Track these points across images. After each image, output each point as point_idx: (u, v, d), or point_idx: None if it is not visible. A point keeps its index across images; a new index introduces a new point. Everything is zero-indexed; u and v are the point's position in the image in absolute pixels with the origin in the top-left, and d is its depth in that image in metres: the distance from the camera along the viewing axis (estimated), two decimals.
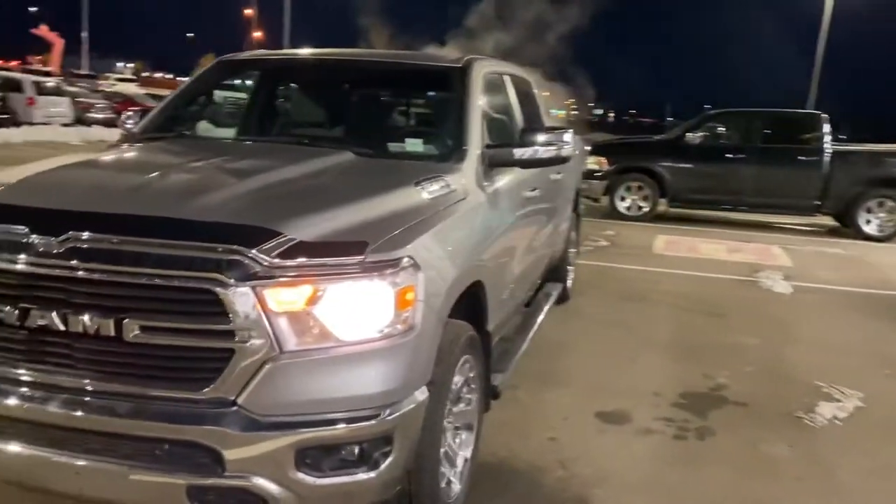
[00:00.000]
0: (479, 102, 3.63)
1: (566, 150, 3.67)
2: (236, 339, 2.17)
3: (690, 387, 4.69)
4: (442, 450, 2.84)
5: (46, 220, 2.27)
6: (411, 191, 2.83)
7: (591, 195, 12.43)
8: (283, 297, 2.20)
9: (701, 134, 12.39)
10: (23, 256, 2.24)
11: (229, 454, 2.20)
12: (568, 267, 6.51)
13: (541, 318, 4.89)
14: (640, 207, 12.21)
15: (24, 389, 2.31)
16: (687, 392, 4.59)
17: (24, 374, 2.32)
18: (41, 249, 2.22)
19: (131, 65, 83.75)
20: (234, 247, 2.16)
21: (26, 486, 2.46)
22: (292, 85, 4.52)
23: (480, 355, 3.17)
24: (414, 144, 3.48)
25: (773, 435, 4.04)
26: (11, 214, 2.33)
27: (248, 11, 54.99)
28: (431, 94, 4.17)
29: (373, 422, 2.32)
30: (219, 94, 4.51)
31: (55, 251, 2.21)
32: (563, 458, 3.62)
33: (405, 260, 2.38)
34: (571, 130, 3.71)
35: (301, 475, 2.25)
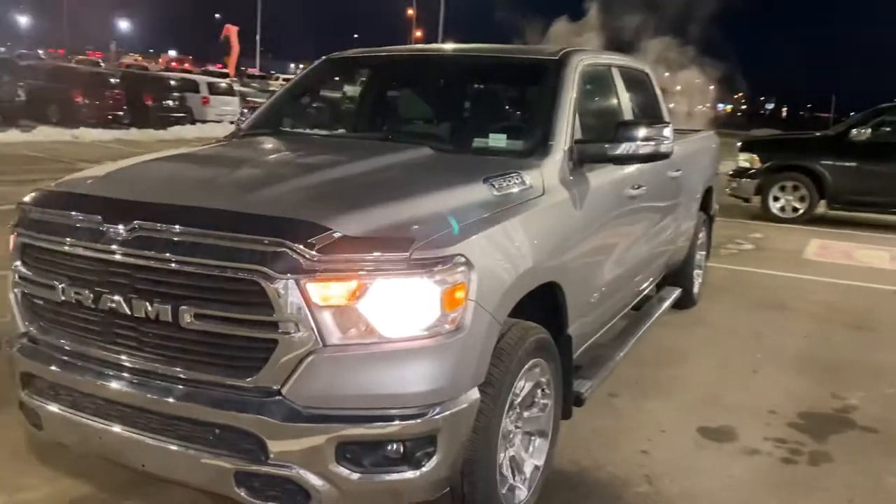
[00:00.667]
0: (572, 96, 3.48)
1: (665, 146, 3.45)
2: (280, 330, 2.21)
3: (814, 406, 4.27)
4: (504, 455, 2.77)
5: (118, 209, 2.43)
6: (477, 187, 2.76)
7: (740, 194, 11.72)
8: (327, 292, 2.21)
9: (869, 130, 11.26)
10: (98, 244, 2.40)
11: (272, 443, 2.25)
12: (695, 271, 6.14)
13: (649, 323, 4.65)
14: (794, 209, 11.30)
15: (98, 367, 2.49)
16: (808, 412, 4.19)
17: (98, 353, 2.49)
18: (112, 237, 2.37)
19: (301, 66, 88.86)
20: (280, 240, 2.19)
21: (99, 457, 2.64)
22: (389, 82, 4.56)
23: (556, 359, 3.05)
24: (497, 139, 3.39)
25: None
26: (91, 204, 2.51)
27: (410, 12, 56.63)
28: (524, 88, 4.06)
29: (415, 421, 2.29)
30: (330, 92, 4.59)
31: (123, 239, 2.36)
32: (650, 472, 3.41)
33: (455, 258, 2.32)
34: (671, 125, 3.48)
35: (342, 469, 2.26)
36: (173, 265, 2.29)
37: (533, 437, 3.05)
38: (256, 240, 2.21)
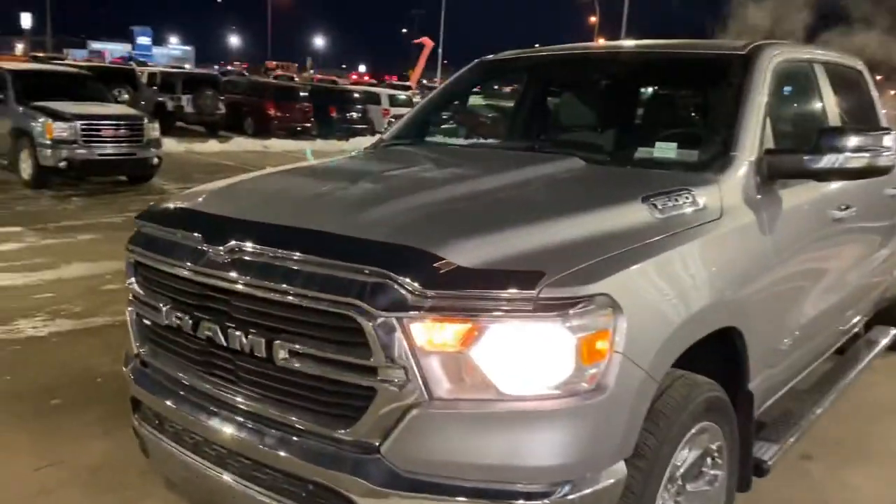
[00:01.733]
0: (762, 98, 2.85)
1: (885, 160, 2.74)
2: (379, 376, 1.85)
3: None
4: None
5: (217, 227, 2.18)
6: (634, 208, 2.25)
7: None
8: (434, 334, 1.81)
9: None
10: (197, 264, 2.16)
11: None
12: None
13: (855, 372, 3.83)
14: None
15: (196, 400, 2.26)
16: None
17: (197, 384, 2.27)
18: (211, 258, 2.12)
19: None
20: (382, 270, 1.83)
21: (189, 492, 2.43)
22: (544, 85, 4.09)
23: (732, 421, 2.47)
24: (665, 150, 2.83)
25: None
26: (194, 221, 2.28)
27: (593, 19, 55.59)
28: (703, 89, 3.44)
29: (540, 501, 1.83)
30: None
31: (222, 261, 2.10)
32: None
33: (597, 298, 1.84)
34: (894, 133, 2.76)
35: None
36: (270, 293, 1.99)
37: None
38: (356, 268, 1.87)
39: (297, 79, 35.67)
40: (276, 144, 18.31)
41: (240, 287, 2.05)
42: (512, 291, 1.80)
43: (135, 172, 11.36)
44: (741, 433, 2.61)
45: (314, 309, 1.91)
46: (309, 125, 21.78)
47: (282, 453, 2.02)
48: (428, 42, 44.04)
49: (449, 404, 1.84)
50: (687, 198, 2.39)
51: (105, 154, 10.71)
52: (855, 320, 4.04)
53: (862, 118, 4.07)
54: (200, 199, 2.50)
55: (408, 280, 1.80)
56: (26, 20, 55.36)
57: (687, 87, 3.57)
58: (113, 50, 65.34)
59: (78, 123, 10.41)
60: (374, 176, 2.69)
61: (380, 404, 1.86)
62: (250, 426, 2.10)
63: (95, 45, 66.49)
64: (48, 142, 10.24)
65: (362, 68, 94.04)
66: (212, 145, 17.43)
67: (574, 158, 2.76)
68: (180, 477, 2.44)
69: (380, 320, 1.80)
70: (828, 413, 3.96)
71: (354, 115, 23.55)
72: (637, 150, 2.94)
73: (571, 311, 1.81)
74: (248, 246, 2.06)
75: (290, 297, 1.94)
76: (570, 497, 1.86)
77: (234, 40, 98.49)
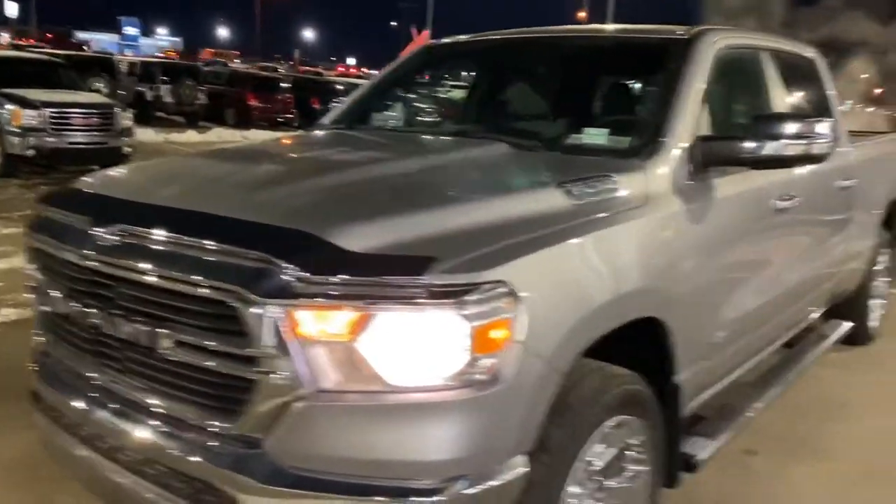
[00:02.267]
0: (698, 84, 2.77)
1: (818, 147, 2.67)
2: (260, 367, 1.75)
3: None
4: None
5: (105, 210, 2.08)
6: (548, 194, 2.16)
7: None
8: (319, 323, 1.72)
9: None
10: (84, 249, 2.06)
11: None
12: (872, 301, 5.08)
13: (801, 367, 3.78)
14: None
15: (85, 390, 2.16)
16: None
17: (87, 374, 2.17)
18: (97, 242, 2.02)
19: None
20: (263, 254, 1.74)
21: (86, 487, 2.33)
22: (485, 71, 4.00)
23: (656, 415, 2.39)
24: (595, 136, 2.75)
25: None
26: (85, 203, 2.18)
27: (582, 14, 55.49)
28: (642, 75, 3.34)
29: (430, 499, 1.75)
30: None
31: (108, 245, 2.00)
32: None
33: (494, 286, 1.76)
34: (829, 121, 2.68)
35: None
36: (153, 279, 1.90)
37: None
38: (236, 252, 1.77)
39: (281, 70, 35.36)
40: (256, 135, 18.14)
41: (124, 273, 1.96)
42: (400, 278, 1.71)
43: (105, 161, 11.14)
44: (668, 427, 2.54)
45: (196, 296, 1.82)
46: (291, 116, 21.64)
47: (167, 448, 1.93)
48: (420, 36, 43.77)
49: (335, 397, 1.75)
50: (607, 184, 2.31)
51: (75, 142, 10.54)
52: (806, 313, 3.99)
53: (814, 108, 4.01)
54: (99, 182, 2.40)
55: (291, 265, 1.71)
56: (11, 9, 54.82)
57: (626, 72, 3.48)
58: (100, 40, 64.64)
59: (47, 111, 10.24)
60: (285, 159, 2.61)
61: (262, 397, 1.76)
62: (137, 419, 2.01)
63: (82, 36, 65.74)
64: (16, 129, 10.07)
65: (352, 61, 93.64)
66: (190, 135, 17.27)
67: (501, 144, 2.67)
68: (75, 471, 2.34)
69: (260, 308, 1.71)
70: (777, 408, 3.92)
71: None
72: (570, 137, 2.86)
73: (465, 299, 1.72)
74: (134, 229, 1.96)
75: (172, 284, 1.85)
76: (465, 493, 1.78)
77: (222, 32, 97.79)
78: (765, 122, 2.66)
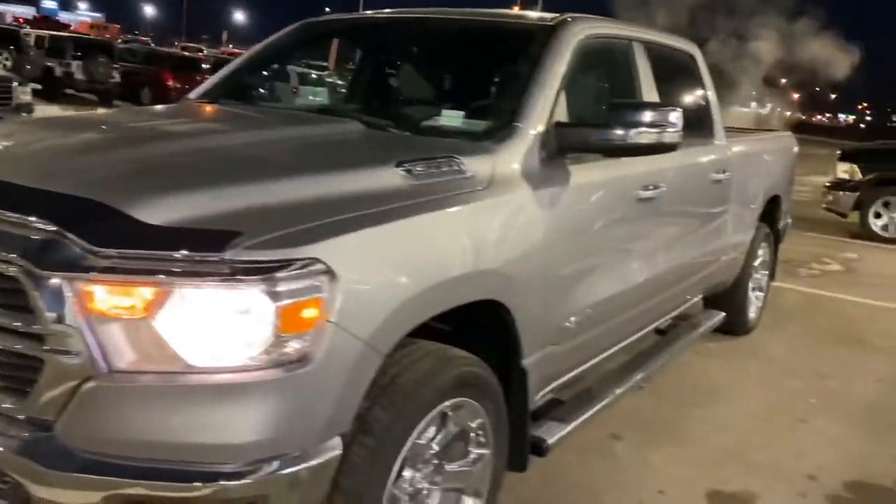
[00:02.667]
0: (557, 70, 2.77)
1: (669, 136, 2.71)
2: (46, 346, 1.66)
3: (869, 475, 3.39)
4: None
5: None
6: (384, 173, 2.12)
7: (836, 209, 10.48)
8: (111, 299, 1.64)
9: None
10: None
11: (39, 492, 1.70)
12: (752, 293, 5.26)
13: (669, 354, 3.86)
14: None
15: None
16: (860, 482, 3.32)
17: None
18: None
19: None
20: (51, 224, 1.64)
21: None
22: (357, 50, 3.95)
23: (497, 399, 2.39)
24: (451, 118, 2.73)
25: None
26: None
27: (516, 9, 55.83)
28: (506, 60, 3.34)
29: (232, 483, 1.69)
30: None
31: None
32: None
33: (305, 263, 1.70)
34: (680, 110, 2.73)
35: None
36: None
37: (463, 497, 2.41)
38: (23, 222, 1.67)
39: (205, 51, 34.42)
40: None
41: None
42: (201, 253, 1.64)
43: None
44: (515, 411, 2.55)
45: None
46: None
47: None
48: None
49: (131, 378, 1.67)
50: (450, 165, 2.29)
51: None
52: (678, 302, 4.07)
53: (691, 103, 4.10)
54: None
55: (80, 237, 1.61)
56: None
57: (491, 57, 3.46)
58: (16, 13, 61.51)
59: None
60: (114, 128, 2.49)
61: (50, 376, 1.67)
62: None
63: None
64: None
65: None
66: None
67: (354, 122, 2.61)
68: None
69: (46, 281, 1.61)
70: (647, 394, 4.01)
71: (262, 91, 22.90)
72: (428, 118, 2.82)
73: (272, 277, 1.66)
74: None
75: None
76: (274, 475, 1.72)
77: (148, 10, 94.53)
78: (617, 110, 2.68)
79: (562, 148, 2.66)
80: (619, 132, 2.63)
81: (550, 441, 2.76)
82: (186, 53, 25.55)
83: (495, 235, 2.33)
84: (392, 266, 1.94)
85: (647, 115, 2.66)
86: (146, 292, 1.63)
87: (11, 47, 17.94)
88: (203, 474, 1.69)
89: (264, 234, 1.70)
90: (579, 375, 3.16)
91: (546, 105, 2.68)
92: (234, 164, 2.09)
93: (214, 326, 1.66)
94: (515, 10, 3.53)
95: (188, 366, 1.67)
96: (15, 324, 1.68)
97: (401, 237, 1.98)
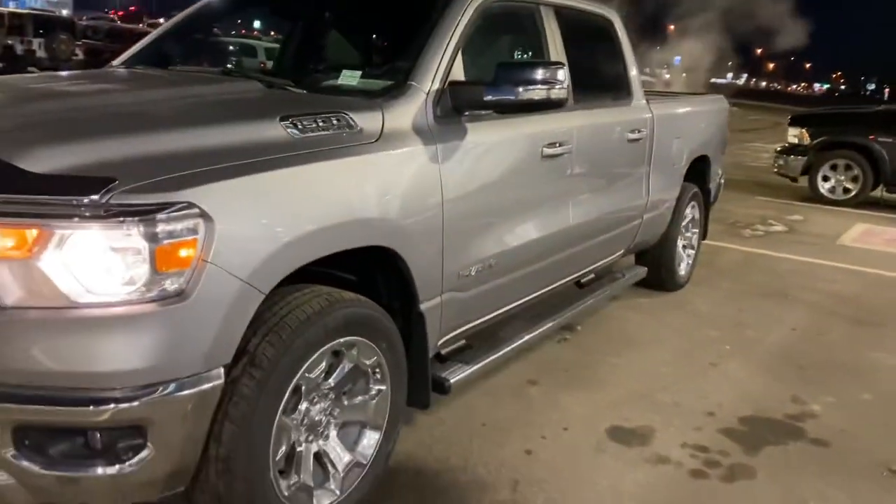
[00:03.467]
0: (456, 30, 2.93)
1: (556, 92, 2.88)
2: None
3: (763, 410, 3.64)
4: (302, 449, 2.36)
5: None
6: (267, 126, 2.28)
7: (786, 173, 10.77)
8: (0, 241, 1.79)
9: None
10: None
11: None
12: (681, 250, 5.48)
13: (583, 304, 4.07)
14: (846, 190, 10.27)
15: None
16: (754, 416, 3.56)
17: None
18: None
19: None
20: None
21: None
22: (270, 16, 4.09)
23: (391, 339, 2.57)
24: (348, 77, 2.88)
25: (839, 492, 2.96)
26: None
27: None
28: (406, 21, 3.48)
29: (108, 406, 1.86)
30: None
31: None
32: (522, 477, 2.89)
33: (180, 207, 1.87)
34: (566, 67, 2.90)
35: (24, 462, 1.87)
36: None
37: (364, 430, 2.61)
38: None
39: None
40: None
41: None
42: (78, 197, 1.80)
43: None
44: (415, 351, 2.73)
45: None
46: None
47: None
48: None
49: (19, 313, 1.83)
50: (338, 120, 2.44)
51: None
52: (598, 256, 4.25)
53: (606, 67, 4.26)
54: None
55: None
56: None
57: (391, 18, 3.57)
58: None
59: None
60: (21, 89, 2.62)
61: None
62: None
63: None
64: None
65: (257, 24, 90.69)
66: None
67: (253, 82, 2.76)
68: None
69: None
70: (573, 345, 4.24)
71: (228, 65, 22.81)
72: (328, 78, 2.97)
73: (148, 219, 1.82)
74: None
75: None
76: (144, 402, 1.88)
77: None
78: (506, 69, 2.84)
79: (456, 106, 2.83)
80: (508, 89, 2.80)
81: (453, 380, 2.96)
82: (150, 30, 25.21)
83: (382, 186, 2.50)
84: (270, 211, 2.10)
85: (534, 73, 2.83)
86: (30, 234, 1.79)
87: None
88: (81, 399, 1.85)
89: (143, 180, 1.86)
90: (495, 321, 3.36)
91: (441, 65, 2.83)
92: (123, 119, 2.24)
93: (94, 265, 1.82)
94: None
95: (72, 301, 1.83)
96: None
97: (279, 185, 2.14)
